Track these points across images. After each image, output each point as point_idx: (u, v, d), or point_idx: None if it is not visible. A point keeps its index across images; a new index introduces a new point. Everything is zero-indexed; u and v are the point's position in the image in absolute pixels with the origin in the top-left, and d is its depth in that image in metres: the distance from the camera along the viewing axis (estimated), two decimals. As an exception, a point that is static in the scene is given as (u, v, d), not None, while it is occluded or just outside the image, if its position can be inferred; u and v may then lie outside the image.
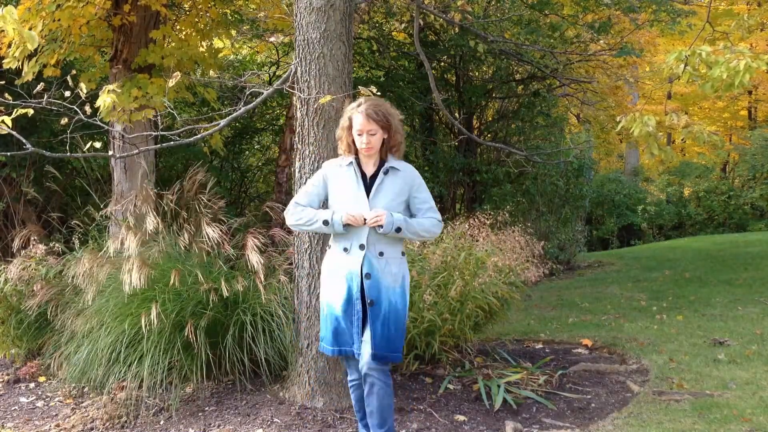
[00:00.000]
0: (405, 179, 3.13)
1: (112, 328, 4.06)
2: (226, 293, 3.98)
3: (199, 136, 4.69)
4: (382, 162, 3.15)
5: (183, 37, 6.16)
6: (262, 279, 4.07)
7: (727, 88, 3.61)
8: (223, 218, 4.48)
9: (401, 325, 3.10)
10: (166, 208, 4.56)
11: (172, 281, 3.91)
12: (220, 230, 4.29)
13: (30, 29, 4.74)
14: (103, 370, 4.04)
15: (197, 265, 4.17)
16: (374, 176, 3.13)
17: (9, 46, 4.85)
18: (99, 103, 4.26)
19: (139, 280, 3.89)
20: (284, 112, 9.27)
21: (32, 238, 4.99)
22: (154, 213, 4.38)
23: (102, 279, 4.22)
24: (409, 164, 3.21)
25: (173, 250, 4.40)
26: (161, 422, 3.85)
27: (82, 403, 4.21)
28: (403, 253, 3.15)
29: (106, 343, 4.03)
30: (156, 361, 3.91)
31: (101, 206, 4.92)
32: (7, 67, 4.96)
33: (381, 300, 3.05)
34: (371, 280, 3.05)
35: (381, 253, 3.07)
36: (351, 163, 3.16)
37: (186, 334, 3.88)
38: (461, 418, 3.79)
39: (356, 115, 3.07)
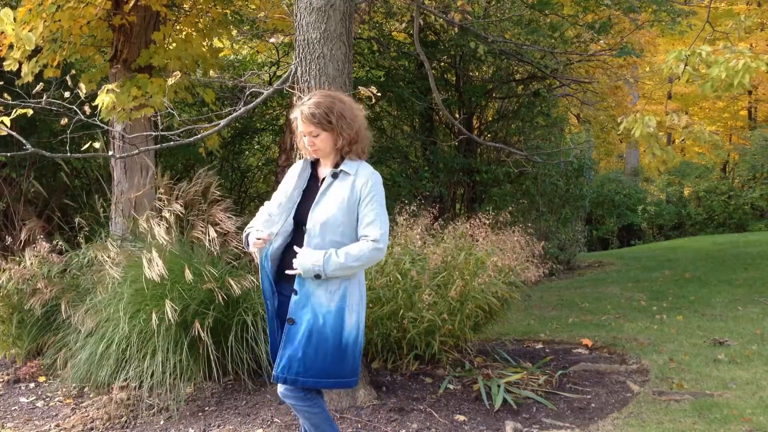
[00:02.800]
0: (353, 187, 2.69)
1: (118, 327, 4.06)
2: (237, 291, 3.98)
3: (199, 136, 4.69)
4: (338, 164, 2.76)
5: (183, 37, 6.17)
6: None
7: (726, 88, 3.61)
8: (226, 218, 4.49)
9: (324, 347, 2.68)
10: (169, 208, 4.56)
11: (187, 276, 3.92)
12: (227, 229, 4.30)
13: (31, 30, 4.74)
14: (107, 370, 4.04)
15: (204, 264, 4.18)
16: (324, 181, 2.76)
17: (10, 47, 4.85)
18: (98, 102, 4.26)
19: (164, 269, 3.87)
20: (284, 112, 9.27)
21: (38, 236, 4.99)
22: (171, 206, 4.38)
23: (116, 273, 4.23)
24: (367, 167, 2.76)
25: (177, 248, 4.41)
26: (161, 422, 3.85)
27: (82, 403, 4.21)
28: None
29: (110, 342, 4.04)
30: (159, 360, 3.92)
31: (102, 205, 4.93)
32: (8, 69, 4.96)
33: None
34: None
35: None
36: (306, 159, 2.86)
37: (191, 333, 3.89)
38: (461, 418, 3.79)
39: (297, 115, 2.74)
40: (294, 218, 2.78)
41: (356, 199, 2.68)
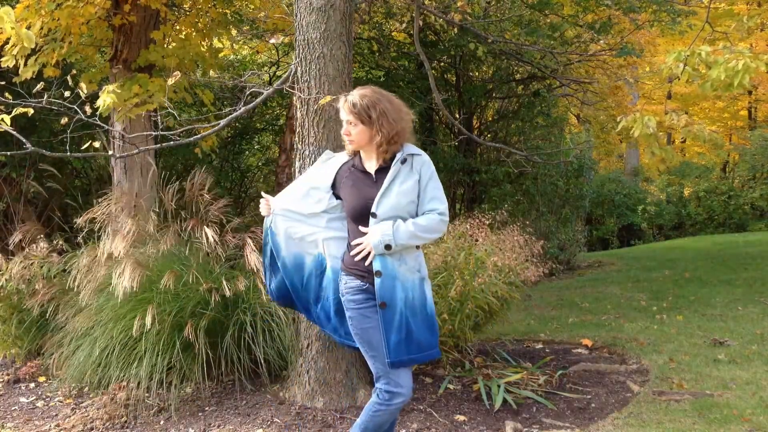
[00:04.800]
0: (413, 169, 2.84)
1: (111, 328, 4.06)
2: (228, 293, 3.97)
3: (198, 136, 4.68)
4: (390, 160, 2.81)
5: (183, 36, 6.17)
6: (263, 278, 4.06)
7: (726, 89, 3.61)
8: (224, 218, 4.48)
9: None
10: (166, 208, 4.56)
11: (165, 282, 3.90)
12: (222, 230, 4.29)
13: (28, 27, 4.73)
14: (103, 371, 4.04)
15: (196, 266, 4.17)
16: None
17: (6, 43, 4.83)
18: (99, 103, 4.26)
19: (134, 282, 3.87)
20: (284, 112, 9.27)
21: (36, 237, 4.99)
22: (154, 212, 4.39)
23: (100, 278, 4.22)
24: (416, 149, 2.90)
25: (175, 249, 4.40)
26: (161, 422, 3.85)
27: (82, 403, 4.21)
28: None
29: (105, 343, 4.03)
30: (155, 361, 3.91)
31: (101, 205, 4.92)
32: (5, 65, 4.95)
33: None
34: None
35: None
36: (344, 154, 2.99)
37: (185, 334, 3.89)
38: (461, 418, 3.79)
39: (340, 104, 2.85)
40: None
41: (418, 179, 2.79)
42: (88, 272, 4.29)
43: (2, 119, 3.56)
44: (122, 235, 4.24)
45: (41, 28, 4.84)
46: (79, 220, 4.66)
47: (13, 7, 4.31)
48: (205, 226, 4.25)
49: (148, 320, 3.77)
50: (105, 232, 4.92)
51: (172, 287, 3.96)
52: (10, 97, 3.90)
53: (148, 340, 3.94)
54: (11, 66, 4.96)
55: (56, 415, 4.08)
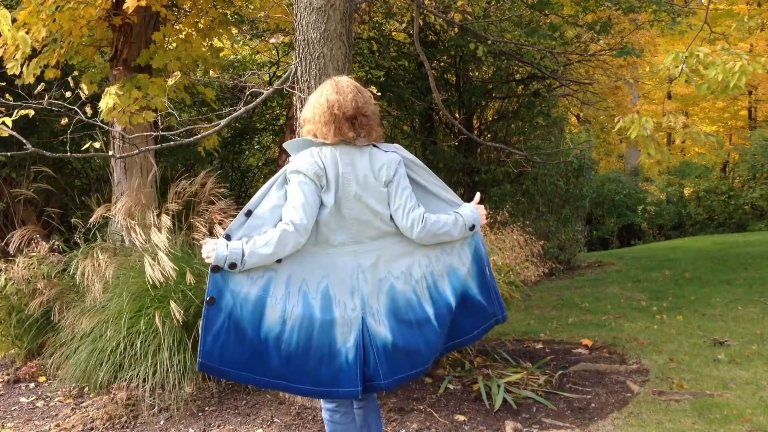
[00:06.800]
0: None
1: (115, 328, 4.06)
2: None
3: (199, 136, 4.69)
4: None
5: (184, 37, 6.17)
6: None
7: (722, 91, 3.60)
8: (225, 218, 4.48)
9: None
10: (169, 207, 4.56)
11: (188, 279, 3.91)
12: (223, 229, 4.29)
13: (29, 32, 4.73)
14: (105, 370, 4.04)
15: (203, 264, 4.17)
16: None
17: (15, 48, 4.84)
18: (101, 105, 4.27)
19: (171, 270, 3.86)
20: (284, 112, 9.28)
21: (34, 237, 4.99)
22: (163, 210, 4.39)
23: (109, 275, 4.23)
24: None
25: (179, 249, 4.41)
26: (161, 422, 3.85)
27: (82, 403, 4.21)
28: None
29: (107, 343, 4.03)
30: (158, 361, 3.92)
31: (102, 204, 4.92)
32: (11, 73, 4.95)
33: None
34: None
35: None
36: None
37: (192, 333, 3.89)
38: (461, 418, 3.80)
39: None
40: None
41: None
42: (98, 270, 4.29)
43: (3, 122, 3.57)
44: (159, 227, 4.24)
45: (43, 32, 4.83)
46: (79, 221, 4.66)
47: (13, 9, 4.32)
48: (216, 225, 4.25)
49: (173, 311, 3.76)
50: (104, 231, 4.93)
51: (192, 282, 3.96)
52: (11, 98, 3.91)
53: (152, 339, 3.94)
54: (17, 73, 4.96)
55: (56, 415, 4.09)
